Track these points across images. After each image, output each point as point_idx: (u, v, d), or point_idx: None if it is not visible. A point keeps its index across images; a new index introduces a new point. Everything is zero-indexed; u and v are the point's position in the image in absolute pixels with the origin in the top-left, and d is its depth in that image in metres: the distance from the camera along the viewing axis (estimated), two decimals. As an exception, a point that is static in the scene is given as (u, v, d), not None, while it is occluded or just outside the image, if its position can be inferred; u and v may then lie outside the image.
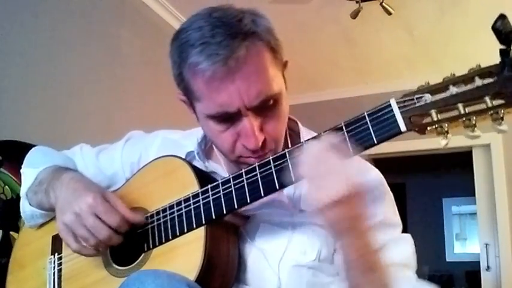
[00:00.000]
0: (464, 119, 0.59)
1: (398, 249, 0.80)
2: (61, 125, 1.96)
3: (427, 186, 6.08)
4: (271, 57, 0.73)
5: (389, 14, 2.62)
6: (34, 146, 1.09)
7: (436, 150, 3.76)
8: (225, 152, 0.79)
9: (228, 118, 0.73)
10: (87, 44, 2.19)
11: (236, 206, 0.72)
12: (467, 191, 4.28)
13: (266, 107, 0.73)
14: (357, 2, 2.62)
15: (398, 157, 3.98)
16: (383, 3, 2.57)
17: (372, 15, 2.72)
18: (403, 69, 3.46)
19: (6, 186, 1.51)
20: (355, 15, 2.66)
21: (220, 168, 0.87)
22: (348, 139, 0.65)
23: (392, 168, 5.25)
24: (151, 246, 0.80)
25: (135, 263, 0.81)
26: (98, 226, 0.76)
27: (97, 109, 2.21)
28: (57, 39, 2.01)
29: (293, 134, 0.86)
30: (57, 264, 0.93)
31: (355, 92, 3.65)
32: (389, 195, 0.86)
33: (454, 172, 5.28)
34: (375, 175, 0.86)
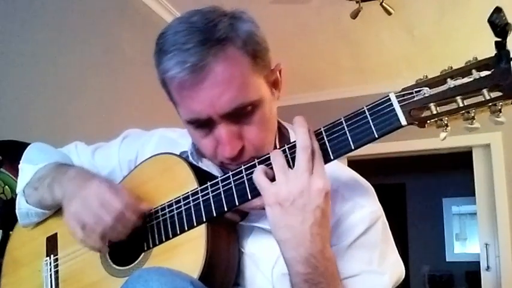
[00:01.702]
0: (463, 111, 0.59)
1: (368, 282, 0.75)
2: (61, 124, 1.96)
3: (427, 186, 6.07)
4: (249, 63, 0.71)
5: (390, 14, 2.62)
6: (34, 146, 1.09)
7: (436, 150, 3.77)
8: (208, 157, 0.79)
9: (204, 124, 0.72)
10: (87, 44, 2.19)
11: (237, 203, 0.72)
12: (467, 191, 4.27)
13: (243, 114, 0.71)
14: (357, 2, 2.62)
15: (398, 157, 3.98)
16: (383, 3, 2.58)
17: (372, 15, 2.72)
18: (403, 69, 3.46)
19: (6, 186, 1.51)
20: (355, 15, 2.66)
21: (213, 168, 0.86)
22: (348, 133, 0.65)
23: (392, 168, 5.28)
24: (151, 245, 0.80)
25: (135, 262, 0.81)
26: (102, 211, 0.75)
27: (97, 109, 2.21)
28: (57, 39, 2.01)
29: (284, 139, 0.84)
30: (54, 265, 0.92)
31: (355, 92, 3.65)
32: (375, 216, 0.79)
33: (454, 172, 5.27)
34: (361, 191, 0.82)
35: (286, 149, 0.69)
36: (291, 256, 0.65)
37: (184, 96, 0.71)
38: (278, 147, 0.72)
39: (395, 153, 3.85)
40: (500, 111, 0.58)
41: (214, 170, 0.85)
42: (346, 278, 0.74)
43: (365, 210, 0.78)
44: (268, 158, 0.69)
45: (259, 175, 0.67)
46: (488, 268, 3.56)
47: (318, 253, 0.64)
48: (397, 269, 0.80)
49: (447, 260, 6.00)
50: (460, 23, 2.89)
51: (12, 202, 0.99)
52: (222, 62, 0.68)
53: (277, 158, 0.67)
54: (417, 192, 6.16)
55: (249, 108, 0.71)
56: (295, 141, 0.68)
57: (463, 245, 6.07)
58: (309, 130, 0.67)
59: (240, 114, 0.71)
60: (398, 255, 0.83)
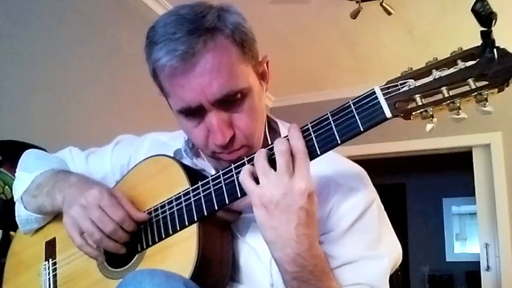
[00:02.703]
0: (448, 102, 0.59)
1: (368, 267, 0.76)
2: (61, 125, 1.97)
3: (427, 186, 6.07)
4: (237, 52, 0.72)
5: (389, 14, 2.62)
6: (34, 146, 1.09)
7: (436, 150, 3.76)
8: (200, 148, 0.80)
9: (195, 113, 0.73)
10: (87, 44, 2.19)
11: (227, 201, 0.72)
12: (467, 191, 4.27)
13: (233, 102, 0.72)
14: (357, 2, 2.62)
15: (398, 157, 3.98)
16: (383, 3, 2.58)
17: (372, 15, 2.72)
18: (403, 69, 3.44)
19: (6, 186, 1.51)
20: (355, 15, 2.66)
21: (208, 166, 0.87)
22: (334, 128, 0.65)
23: (392, 168, 5.28)
24: (144, 246, 0.80)
25: (130, 264, 0.81)
26: (103, 219, 0.76)
27: (97, 109, 2.21)
28: (57, 39, 2.01)
29: (275, 134, 0.85)
30: (52, 269, 0.92)
31: (355, 92, 3.59)
32: (369, 199, 0.80)
33: (454, 172, 5.26)
34: (353, 178, 0.82)
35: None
36: (279, 256, 0.66)
37: (175, 85, 0.71)
38: (269, 141, 0.72)
39: (395, 153, 3.84)
40: (487, 100, 0.58)
41: (210, 168, 0.86)
42: (345, 264, 0.75)
43: (359, 195, 0.79)
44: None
45: (245, 177, 0.67)
46: (488, 268, 3.55)
47: (304, 252, 0.65)
48: (394, 249, 0.81)
49: (447, 260, 6.00)
50: (460, 23, 2.89)
51: (12, 202, 0.99)
52: (212, 50, 0.69)
53: (259, 160, 0.67)
54: (417, 192, 6.15)
55: (238, 96, 0.72)
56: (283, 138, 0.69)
57: (463, 245, 6.07)
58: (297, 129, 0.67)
59: (230, 102, 0.72)
60: (395, 235, 0.83)
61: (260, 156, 0.68)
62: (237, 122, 0.74)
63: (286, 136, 0.68)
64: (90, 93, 2.18)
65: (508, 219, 3.38)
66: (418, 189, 6.13)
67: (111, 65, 2.35)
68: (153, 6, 2.68)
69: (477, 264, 3.75)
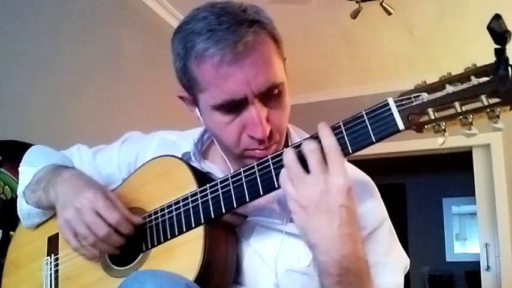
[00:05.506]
0: (461, 117, 0.60)
1: (385, 277, 0.76)
2: (61, 125, 1.96)
3: (427, 186, 6.07)
4: (275, 47, 0.74)
5: (389, 14, 2.62)
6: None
7: (436, 150, 3.76)
8: (230, 146, 0.77)
9: (235, 107, 0.72)
10: (87, 44, 2.19)
11: (235, 205, 0.72)
12: (467, 191, 4.27)
13: (271, 97, 0.73)
14: (357, 2, 2.62)
15: (398, 157, 3.98)
16: (383, 3, 2.57)
17: (372, 15, 2.72)
18: (403, 69, 3.46)
19: (6, 186, 1.51)
20: (355, 15, 2.66)
21: (216, 169, 0.87)
22: (346, 137, 0.65)
23: (392, 168, 5.27)
24: (149, 246, 0.80)
25: (134, 263, 0.81)
26: (97, 223, 0.76)
27: (97, 109, 2.21)
28: (57, 39, 2.01)
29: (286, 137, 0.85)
30: (54, 265, 0.92)
31: (355, 92, 3.65)
32: (382, 216, 0.82)
33: (454, 172, 5.26)
34: (364, 184, 0.83)
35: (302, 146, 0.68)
36: (324, 260, 0.63)
37: (221, 76, 0.70)
38: (289, 140, 0.72)
39: (395, 153, 3.84)
40: (499, 117, 0.59)
41: (218, 172, 0.86)
42: None
43: (372, 212, 0.80)
44: (279, 155, 0.69)
45: (285, 181, 0.66)
46: (488, 268, 3.55)
47: (350, 254, 0.63)
48: (403, 260, 0.83)
49: (447, 260, 6.00)
50: (460, 23, 2.89)
51: (12, 202, 1.00)
52: (259, 42, 0.70)
53: (290, 163, 0.65)
54: (417, 192, 6.15)
55: (276, 91, 0.73)
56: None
57: (463, 245, 6.07)
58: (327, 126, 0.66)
59: (270, 96, 0.73)
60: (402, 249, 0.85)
61: (290, 158, 0.65)
62: (272, 118, 0.74)
63: (314, 135, 0.67)
64: (90, 93, 2.18)
65: (508, 219, 3.38)
66: (418, 189, 6.13)
67: (111, 65, 2.35)
68: (153, 6, 2.68)
69: (477, 264, 3.75)
